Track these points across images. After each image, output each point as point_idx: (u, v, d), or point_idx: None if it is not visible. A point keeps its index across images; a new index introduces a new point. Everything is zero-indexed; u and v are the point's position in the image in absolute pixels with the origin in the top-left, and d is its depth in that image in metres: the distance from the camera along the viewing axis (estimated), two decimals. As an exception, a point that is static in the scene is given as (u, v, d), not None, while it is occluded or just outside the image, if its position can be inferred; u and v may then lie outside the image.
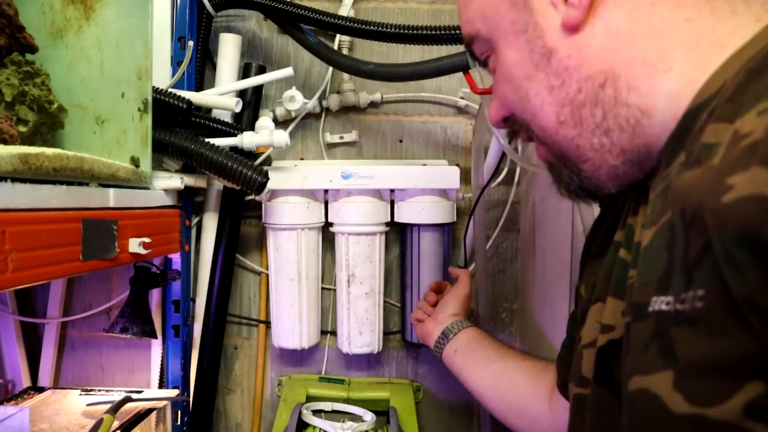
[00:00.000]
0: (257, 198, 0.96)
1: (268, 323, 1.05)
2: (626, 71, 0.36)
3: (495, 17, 0.42)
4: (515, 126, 0.46)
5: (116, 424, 0.70)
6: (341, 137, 1.04)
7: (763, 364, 0.25)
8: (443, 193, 0.95)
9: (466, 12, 0.45)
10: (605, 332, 0.41)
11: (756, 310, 0.25)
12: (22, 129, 0.60)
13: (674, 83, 0.35)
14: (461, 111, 1.05)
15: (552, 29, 0.39)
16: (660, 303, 0.31)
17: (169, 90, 0.78)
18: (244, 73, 0.97)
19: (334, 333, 1.04)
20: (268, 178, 0.81)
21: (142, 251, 0.66)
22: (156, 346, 0.99)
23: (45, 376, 1.02)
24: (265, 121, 0.89)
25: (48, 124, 0.65)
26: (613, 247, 0.44)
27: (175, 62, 0.88)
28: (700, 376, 0.28)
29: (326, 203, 0.99)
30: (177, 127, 0.80)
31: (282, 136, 0.86)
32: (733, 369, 0.26)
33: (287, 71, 0.86)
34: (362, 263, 0.95)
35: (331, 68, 1.01)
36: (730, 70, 0.32)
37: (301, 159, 1.04)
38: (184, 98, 0.78)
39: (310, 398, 0.97)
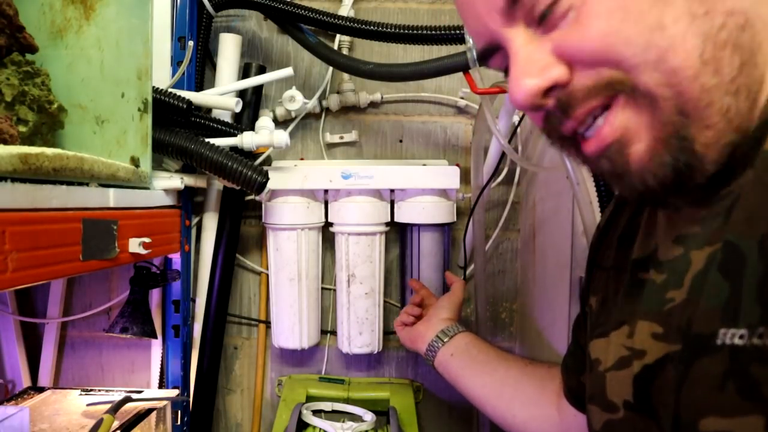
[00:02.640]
0: (257, 198, 0.96)
1: (268, 323, 1.05)
2: (755, 21, 0.30)
3: None
4: (566, 93, 0.33)
5: (116, 424, 0.70)
6: (341, 137, 1.04)
7: None
8: (443, 193, 0.95)
9: None
10: (638, 358, 0.38)
11: None
12: (22, 129, 0.60)
13: None
14: (461, 111, 1.05)
15: None
16: (731, 336, 0.28)
17: (169, 90, 0.78)
18: (244, 73, 0.97)
19: (334, 333, 1.04)
20: (268, 178, 0.81)
21: (142, 251, 0.66)
22: (156, 346, 0.99)
23: (45, 376, 1.02)
24: (265, 121, 0.89)
25: (48, 124, 0.65)
26: (633, 265, 0.41)
27: (175, 62, 0.88)
28: None
29: (326, 203, 0.99)
30: (177, 127, 0.80)
31: (282, 136, 0.86)
32: None
33: (287, 71, 0.87)
34: (362, 263, 0.95)
35: (331, 68, 1.01)
36: None
37: (301, 159, 1.04)
38: (184, 98, 0.78)
39: (310, 398, 0.97)
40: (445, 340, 0.75)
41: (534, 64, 0.33)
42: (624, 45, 0.31)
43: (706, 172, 0.32)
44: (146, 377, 1.03)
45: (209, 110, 0.91)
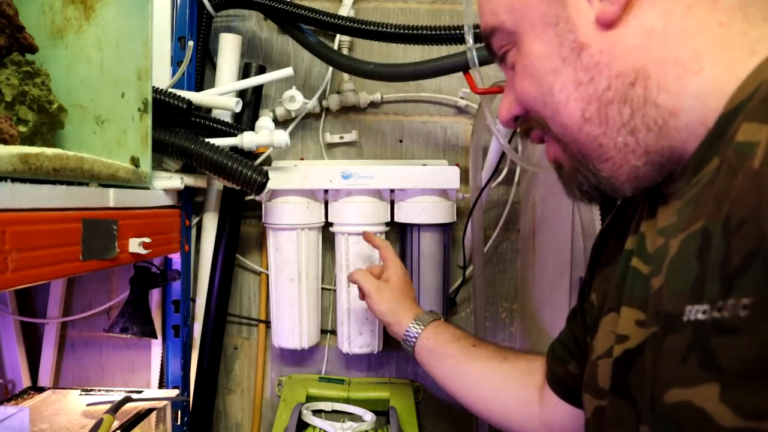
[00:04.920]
0: (257, 198, 0.96)
1: (268, 323, 1.05)
2: (658, 71, 0.36)
3: (523, 9, 0.41)
4: (527, 125, 0.45)
5: (116, 424, 0.70)
6: (341, 137, 1.04)
7: None
8: (443, 193, 0.95)
9: (490, 3, 0.44)
10: (620, 342, 0.40)
11: None
12: (22, 129, 0.60)
13: (703, 84, 0.35)
14: (461, 111, 1.05)
15: (585, 24, 0.38)
16: (695, 312, 0.30)
17: (169, 90, 0.78)
18: (244, 73, 0.97)
19: (334, 333, 1.04)
20: (268, 178, 0.81)
21: (142, 251, 0.66)
22: (156, 346, 0.99)
23: (45, 376, 1.02)
24: (265, 121, 0.89)
25: (48, 124, 0.65)
26: (624, 256, 0.43)
27: (175, 62, 0.88)
28: (749, 387, 0.27)
29: (326, 203, 0.99)
30: (177, 127, 0.80)
31: (282, 136, 0.86)
32: None
33: (287, 71, 0.86)
34: (362, 263, 0.95)
35: (331, 68, 1.01)
36: (766, 72, 0.32)
37: (301, 159, 1.04)
38: (184, 98, 0.78)
39: (310, 398, 0.97)
40: (411, 351, 0.72)
41: (504, 104, 0.46)
42: (533, 102, 0.42)
43: (622, 186, 0.40)
44: (146, 377, 1.03)
45: (209, 110, 0.91)
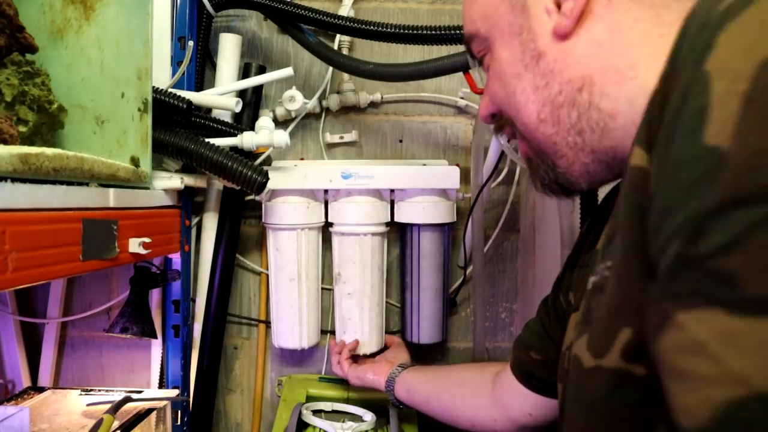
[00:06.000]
0: (257, 198, 0.96)
1: (268, 323, 1.05)
2: (601, 78, 0.39)
3: (495, 17, 0.45)
4: (501, 122, 0.50)
5: (116, 424, 0.70)
6: (341, 137, 1.04)
7: (630, 312, 0.30)
8: (443, 193, 0.95)
9: (469, 11, 0.48)
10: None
11: (625, 266, 0.30)
12: (22, 129, 0.60)
13: (636, 89, 0.38)
14: (461, 111, 1.05)
15: (544, 34, 0.42)
16: (592, 281, 0.37)
17: (169, 90, 0.78)
18: (244, 73, 0.97)
19: (334, 333, 1.04)
20: (268, 178, 0.81)
21: (142, 251, 0.66)
22: (156, 346, 0.99)
23: (45, 376, 1.02)
24: (265, 121, 0.89)
25: (48, 124, 0.65)
26: (593, 256, 0.47)
27: (175, 62, 0.88)
28: (598, 333, 0.33)
29: (326, 203, 0.99)
30: (177, 127, 0.80)
31: (282, 136, 0.86)
32: (612, 321, 0.32)
33: (287, 71, 0.87)
34: (362, 263, 0.95)
35: (331, 68, 1.01)
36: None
37: (301, 159, 1.04)
38: (184, 98, 0.78)
39: (310, 398, 0.97)
40: (405, 368, 0.85)
41: (483, 102, 0.51)
42: (501, 103, 0.47)
43: (577, 181, 0.44)
44: (146, 377, 1.03)
45: (209, 110, 0.91)
